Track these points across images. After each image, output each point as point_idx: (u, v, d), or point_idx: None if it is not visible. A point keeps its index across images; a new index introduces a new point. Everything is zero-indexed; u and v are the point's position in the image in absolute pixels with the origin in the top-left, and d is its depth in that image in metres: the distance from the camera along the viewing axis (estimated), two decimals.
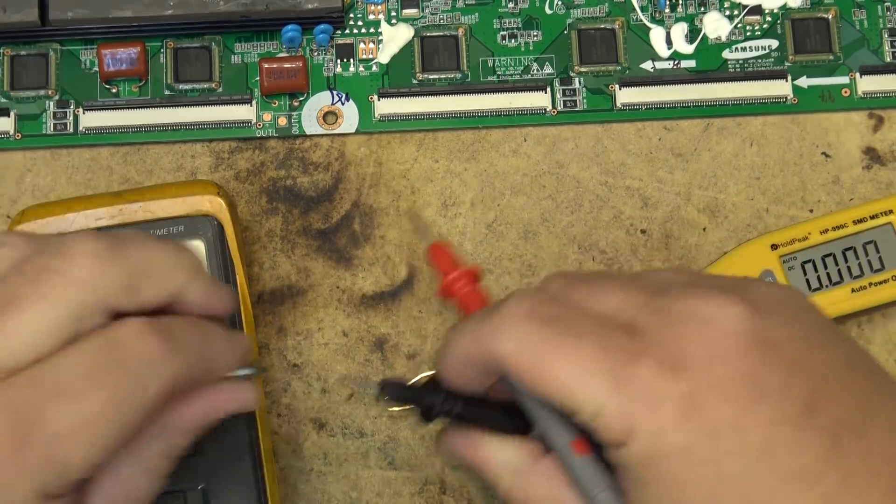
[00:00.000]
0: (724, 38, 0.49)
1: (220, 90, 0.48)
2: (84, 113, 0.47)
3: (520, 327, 0.36)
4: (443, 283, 0.40)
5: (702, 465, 0.34)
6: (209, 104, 0.47)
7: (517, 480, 0.39)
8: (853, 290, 0.45)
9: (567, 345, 0.35)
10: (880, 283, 0.45)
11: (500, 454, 0.40)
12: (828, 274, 0.45)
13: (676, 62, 0.48)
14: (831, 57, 0.48)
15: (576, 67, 0.48)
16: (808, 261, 0.45)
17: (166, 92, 0.48)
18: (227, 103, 0.47)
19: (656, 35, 0.48)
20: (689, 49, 0.48)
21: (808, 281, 0.45)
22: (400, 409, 0.45)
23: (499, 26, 0.48)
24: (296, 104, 0.48)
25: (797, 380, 0.34)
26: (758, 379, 0.34)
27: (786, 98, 0.48)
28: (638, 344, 0.35)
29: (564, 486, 0.38)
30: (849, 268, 0.45)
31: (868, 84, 0.48)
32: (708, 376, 0.34)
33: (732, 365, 0.34)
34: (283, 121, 0.47)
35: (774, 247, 0.45)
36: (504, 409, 0.39)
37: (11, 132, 0.47)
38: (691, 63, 0.48)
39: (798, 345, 0.35)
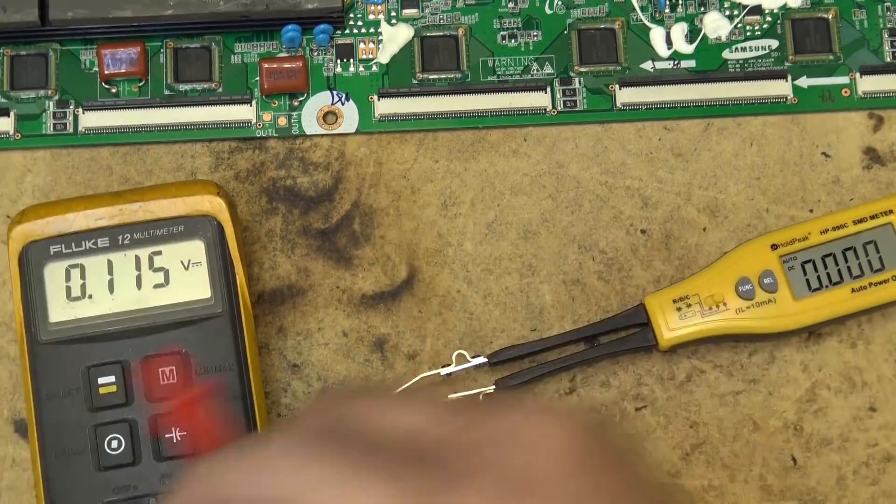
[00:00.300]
0: (724, 38, 0.49)
1: (220, 90, 0.48)
2: (84, 113, 0.47)
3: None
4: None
5: None
6: (209, 104, 0.47)
7: None
8: (853, 290, 0.45)
9: None
10: (880, 283, 0.45)
11: None
12: (828, 274, 0.45)
13: (676, 62, 0.48)
14: (831, 57, 0.48)
15: (576, 67, 0.48)
16: (809, 261, 0.45)
17: (166, 92, 0.48)
18: (227, 103, 0.47)
19: (656, 35, 0.48)
20: (689, 49, 0.48)
21: (808, 281, 0.45)
22: None
23: (499, 26, 0.48)
24: (296, 104, 0.48)
25: None
26: None
27: (786, 98, 0.48)
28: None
29: None
30: (849, 268, 0.45)
31: (868, 84, 0.48)
32: None
33: None
34: (283, 121, 0.47)
35: (774, 247, 0.45)
36: None
37: (11, 132, 0.47)
38: (691, 63, 0.48)
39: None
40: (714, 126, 0.48)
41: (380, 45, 0.48)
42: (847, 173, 0.47)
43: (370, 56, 0.48)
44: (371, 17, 0.48)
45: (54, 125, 0.47)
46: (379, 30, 0.48)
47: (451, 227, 0.47)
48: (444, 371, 0.45)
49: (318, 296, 0.46)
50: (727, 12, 0.49)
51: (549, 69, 0.48)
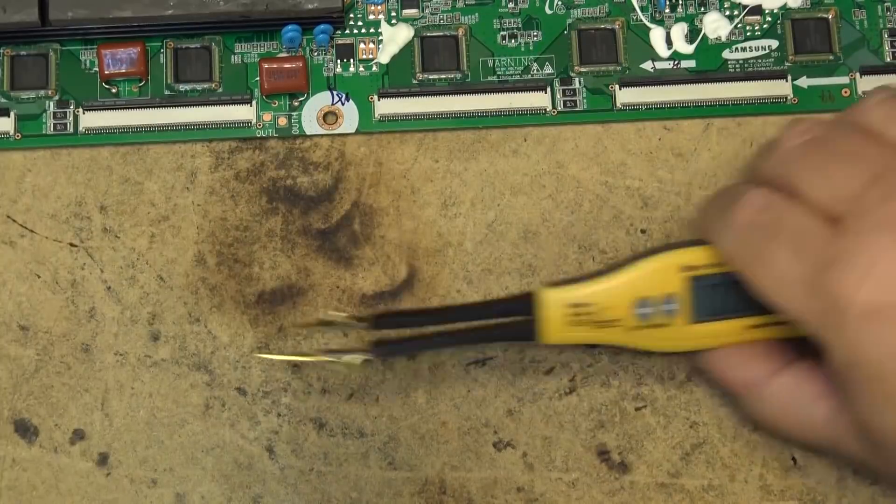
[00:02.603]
0: (724, 38, 0.49)
1: (220, 90, 0.48)
2: (84, 113, 0.47)
3: (732, 233, 0.39)
4: None
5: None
6: (209, 104, 0.47)
7: (752, 395, 0.42)
8: (752, 326, 0.43)
9: (765, 254, 0.38)
10: (780, 323, 0.42)
11: (737, 370, 0.42)
12: (733, 302, 0.42)
13: (676, 62, 0.48)
14: (831, 57, 0.48)
15: (576, 67, 0.48)
16: (718, 285, 0.42)
17: (166, 92, 0.48)
18: (227, 103, 0.47)
19: (656, 35, 0.48)
20: (689, 49, 0.48)
21: (710, 306, 0.42)
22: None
23: (499, 26, 0.48)
24: (296, 104, 0.48)
25: None
26: None
27: (786, 98, 0.48)
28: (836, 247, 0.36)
29: (794, 406, 0.40)
30: (758, 301, 0.42)
31: (868, 84, 0.48)
32: None
33: None
34: (283, 121, 0.47)
35: (685, 268, 0.42)
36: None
37: (11, 132, 0.47)
38: (691, 63, 0.48)
39: None
40: (714, 126, 0.48)
41: (380, 46, 0.48)
42: None
43: (370, 56, 0.48)
44: (371, 17, 0.48)
45: (54, 125, 0.47)
46: (379, 30, 0.48)
47: (451, 227, 0.47)
48: (327, 315, 0.45)
49: (318, 296, 0.46)
50: (727, 12, 0.49)
51: (549, 69, 0.48)
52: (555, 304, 0.43)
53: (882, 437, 0.37)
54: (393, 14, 0.48)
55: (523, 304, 0.43)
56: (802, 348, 0.42)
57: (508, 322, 0.43)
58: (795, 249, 0.37)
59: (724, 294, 0.42)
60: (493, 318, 0.44)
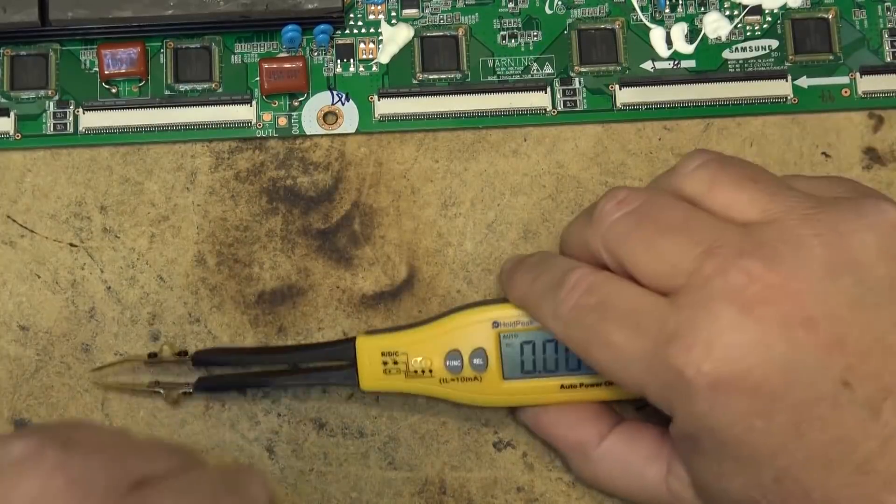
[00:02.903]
0: (724, 38, 0.49)
1: (220, 90, 0.48)
2: (84, 113, 0.47)
3: (562, 317, 0.39)
4: None
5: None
6: (209, 104, 0.47)
7: (581, 456, 0.42)
8: (562, 387, 0.43)
9: (601, 335, 0.38)
10: (591, 385, 0.43)
11: (566, 430, 0.43)
12: (544, 360, 0.42)
13: (676, 62, 0.48)
14: (831, 57, 0.48)
15: (576, 67, 0.48)
16: (529, 342, 0.42)
17: (166, 92, 0.48)
18: (227, 103, 0.47)
19: (656, 35, 0.48)
20: (689, 49, 0.48)
21: (522, 363, 0.42)
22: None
23: (499, 26, 0.48)
24: (296, 104, 0.48)
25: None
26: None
27: (786, 98, 0.48)
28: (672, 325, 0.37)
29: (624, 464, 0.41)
30: (567, 360, 0.42)
31: (868, 84, 0.48)
32: None
33: None
34: (283, 121, 0.47)
35: (496, 324, 0.43)
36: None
37: (11, 132, 0.47)
38: (691, 63, 0.48)
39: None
40: (714, 126, 0.48)
41: (380, 45, 0.48)
42: (847, 173, 0.47)
43: (370, 56, 0.48)
44: (371, 17, 0.48)
45: (54, 125, 0.47)
46: (379, 30, 0.48)
47: (451, 227, 0.47)
48: (130, 357, 0.45)
49: (318, 296, 0.46)
50: (727, 12, 0.49)
51: (549, 69, 0.48)
52: (369, 352, 0.43)
53: (724, 500, 0.38)
54: (393, 14, 0.48)
55: (345, 350, 0.44)
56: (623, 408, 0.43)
57: (332, 366, 0.44)
58: (631, 326, 0.37)
59: (533, 353, 0.42)
60: (316, 361, 0.44)
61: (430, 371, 0.43)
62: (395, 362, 0.43)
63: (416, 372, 0.43)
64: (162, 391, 0.45)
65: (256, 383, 0.45)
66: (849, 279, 0.36)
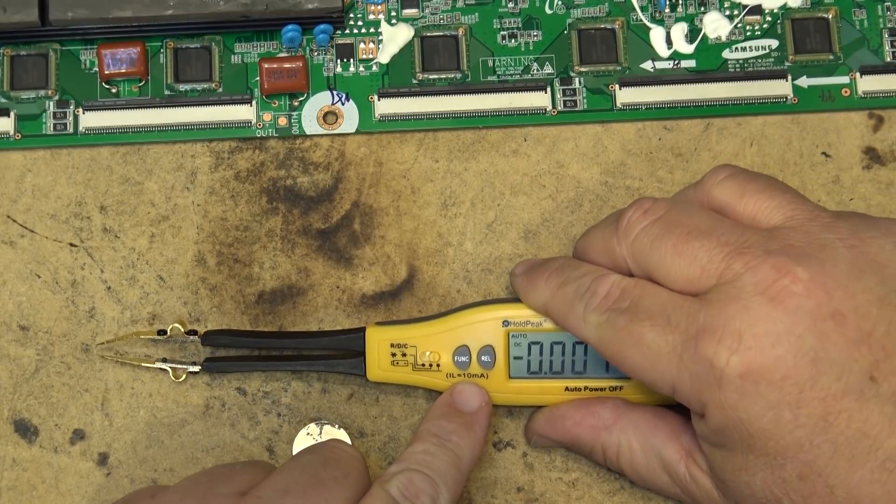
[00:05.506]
0: (724, 38, 0.49)
1: (220, 90, 0.48)
2: (84, 113, 0.47)
3: (593, 323, 0.40)
4: None
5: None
6: (209, 104, 0.47)
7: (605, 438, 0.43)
8: (567, 389, 0.43)
9: (632, 335, 0.39)
10: (596, 389, 0.43)
11: (581, 419, 0.43)
12: (551, 362, 0.43)
13: (676, 62, 0.48)
14: (831, 57, 0.48)
15: (576, 67, 0.48)
16: (537, 343, 0.43)
17: (166, 92, 0.48)
18: (227, 103, 0.47)
19: (656, 35, 0.48)
20: (689, 49, 0.48)
21: (528, 363, 0.43)
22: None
23: (499, 26, 0.48)
24: (296, 104, 0.48)
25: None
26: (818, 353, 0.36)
27: (786, 98, 0.48)
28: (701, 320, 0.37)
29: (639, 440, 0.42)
30: (573, 362, 0.43)
31: (868, 84, 0.48)
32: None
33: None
34: (283, 121, 0.47)
35: (506, 323, 0.43)
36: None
37: (11, 132, 0.47)
38: (691, 63, 0.48)
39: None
40: (714, 126, 0.48)
41: (380, 45, 0.48)
42: (847, 173, 0.47)
43: (370, 56, 0.48)
44: (371, 17, 0.48)
45: (54, 125, 0.47)
46: (379, 30, 0.48)
47: (451, 227, 0.47)
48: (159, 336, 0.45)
49: (318, 296, 0.46)
50: (727, 12, 0.49)
51: (549, 69, 0.48)
52: (378, 342, 0.44)
53: (746, 496, 0.38)
54: (393, 14, 0.48)
55: (354, 339, 0.44)
56: None
57: (341, 353, 0.44)
58: (662, 324, 0.38)
59: (541, 354, 0.43)
60: (326, 349, 0.45)
61: (438, 365, 0.43)
62: (404, 354, 0.43)
63: (423, 365, 0.43)
64: (168, 368, 0.45)
65: (263, 366, 0.45)
66: (873, 278, 0.37)
